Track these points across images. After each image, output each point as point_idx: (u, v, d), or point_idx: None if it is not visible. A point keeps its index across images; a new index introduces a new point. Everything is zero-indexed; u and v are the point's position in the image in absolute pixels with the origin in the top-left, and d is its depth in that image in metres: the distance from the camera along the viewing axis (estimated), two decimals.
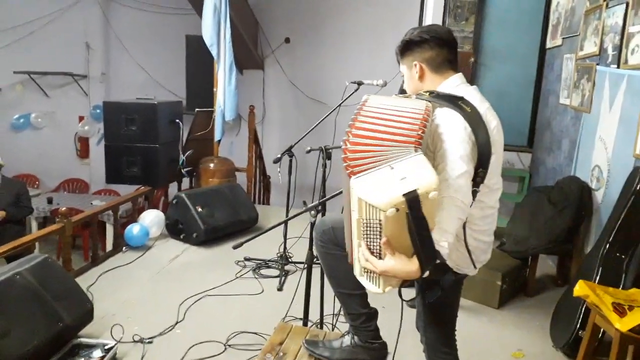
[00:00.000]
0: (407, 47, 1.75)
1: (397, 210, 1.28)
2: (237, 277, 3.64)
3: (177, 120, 4.66)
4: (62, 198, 5.83)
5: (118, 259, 3.89)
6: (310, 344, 1.95)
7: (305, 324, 2.38)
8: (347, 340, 1.91)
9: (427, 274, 1.36)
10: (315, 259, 2.30)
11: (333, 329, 2.57)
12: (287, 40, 7.01)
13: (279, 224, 2.30)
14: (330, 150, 2.60)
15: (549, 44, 4.73)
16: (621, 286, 2.65)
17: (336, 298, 1.94)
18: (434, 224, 1.39)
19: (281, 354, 1.92)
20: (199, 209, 4.21)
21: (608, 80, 3.35)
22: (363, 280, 1.51)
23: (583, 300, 2.65)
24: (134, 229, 4.03)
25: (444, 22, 5.00)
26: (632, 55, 3.05)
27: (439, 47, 1.71)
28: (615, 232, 2.70)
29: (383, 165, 1.35)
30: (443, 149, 1.49)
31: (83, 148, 7.48)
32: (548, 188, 3.79)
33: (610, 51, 3.34)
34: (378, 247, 1.38)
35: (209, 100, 5.25)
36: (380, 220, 1.32)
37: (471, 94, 1.62)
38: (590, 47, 3.67)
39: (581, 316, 2.67)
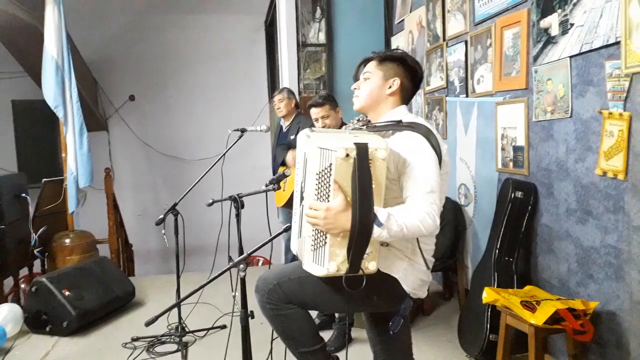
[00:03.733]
0: (395, 60, 1.76)
1: (347, 155, 1.40)
2: None
3: (24, 195, 4.02)
4: None
5: None
6: None
7: None
8: None
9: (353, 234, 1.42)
10: (250, 317, 2.13)
11: None
12: (132, 97, 6.64)
13: (202, 287, 2.07)
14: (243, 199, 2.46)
15: None
16: (515, 286, 2.95)
17: None
18: (382, 196, 1.47)
19: None
20: (66, 293, 3.63)
21: (459, 109, 3.80)
22: (309, 264, 1.55)
23: (487, 306, 2.89)
24: None
25: (299, 73, 5.18)
26: (478, 85, 3.52)
27: (414, 85, 1.80)
28: (501, 239, 3.01)
29: (342, 131, 1.56)
30: (412, 167, 1.53)
31: None
32: None
33: (457, 83, 3.81)
34: (327, 194, 1.46)
35: (49, 169, 4.65)
36: (331, 164, 1.43)
37: (419, 119, 1.69)
38: (437, 81, 4.14)
39: (489, 321, 2.89)
